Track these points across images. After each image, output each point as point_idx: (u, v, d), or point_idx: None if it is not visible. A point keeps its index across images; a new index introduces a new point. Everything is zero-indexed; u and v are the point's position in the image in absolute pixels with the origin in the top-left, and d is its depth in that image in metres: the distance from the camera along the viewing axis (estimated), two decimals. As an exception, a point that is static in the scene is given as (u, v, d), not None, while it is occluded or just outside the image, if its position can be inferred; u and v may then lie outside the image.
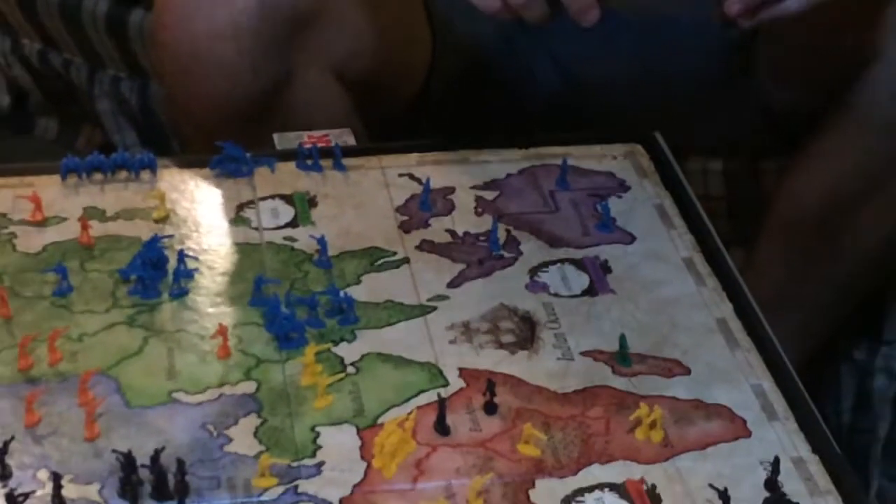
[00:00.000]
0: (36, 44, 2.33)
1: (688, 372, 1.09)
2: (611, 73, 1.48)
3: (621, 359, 1.10)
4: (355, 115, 1.47)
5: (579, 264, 1.22)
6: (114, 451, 0.99)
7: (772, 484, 0.97)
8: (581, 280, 1.20)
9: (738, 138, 1.59)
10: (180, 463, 0.97)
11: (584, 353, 1.11)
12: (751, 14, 1.20)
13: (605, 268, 1.21)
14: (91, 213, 1.26)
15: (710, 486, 0.97)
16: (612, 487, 0.98)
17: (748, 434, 1.03)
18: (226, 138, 1.33)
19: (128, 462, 0.97)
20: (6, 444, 0.99)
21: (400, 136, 1.47)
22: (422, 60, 1.56)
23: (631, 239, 1.25)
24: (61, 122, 2.41)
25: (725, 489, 0.96)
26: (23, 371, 1.08)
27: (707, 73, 1.48)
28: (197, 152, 1.37)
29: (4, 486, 0.97)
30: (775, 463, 0.98)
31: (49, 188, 1.29)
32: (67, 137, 2.40)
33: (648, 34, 1.40)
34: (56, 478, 0.97)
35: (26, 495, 0.96)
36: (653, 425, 1.02)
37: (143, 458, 0.97)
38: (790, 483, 0.98)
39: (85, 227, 1.23)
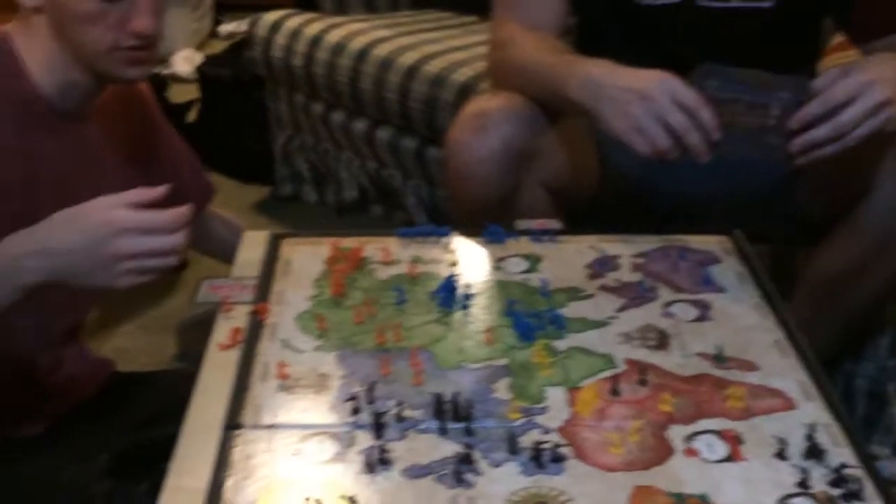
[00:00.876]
0: (373, 163, 2.37)
1: (758, 369, 1.07)
2: (709, 192, 1.45)
3: (718, 359, 1.08)
4: (555, 210, 1.46)
5: (693, 303, 1.19)
6: (431, 392, 1.01)
7: (810, 437, 0.95)
8: (693, 312, 1.18)
9: (782, 234, 1.55)
10: (467, 401, 0.99)
11: (696, 354, 1.10)
12: (804, 153, 1.18)
13: (707, 306, 1.19)
14: (415, 259, 1.27)
15: (773, 436, 0.96)
16: (714, 433, 0.97)
17: (795, 407, 1.01)
18: (482, 222, 1.34)
19: (438, 399, 0.99)
20: (372, 384, 1.02)
21: (583, 224, 1.44)
22: (594, 178, 1.55)
23: (722, 289, 1.22)
24: (385, 209, 2.43)
25: (783, 438, 0.94)
26: (379, 344, 1.10)
27: (769, 194, 1.44)
28: (465, 229, 1.35)
29: (371, 407, 1.00)
30: (812, 425, 0.96)
31: (392, 244, 1.30)
32: (387, 217, 2.42)
33: (734, 168, 1.36)
34: (399, 404, 0.99)
35: (383, 413, 0.98)
36: (738, 398, 1.01)
37: (446, 397, 1.00)
38: (820, 437, 0.96)
39: (412, 266, 1.25)
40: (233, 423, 0.97)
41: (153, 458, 1.04)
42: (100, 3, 1.10)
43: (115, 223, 0.99)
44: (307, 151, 2.54)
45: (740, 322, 1.16)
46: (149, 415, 1.30)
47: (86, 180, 1.22)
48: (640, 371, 1.05)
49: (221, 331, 1.12)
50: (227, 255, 1.28)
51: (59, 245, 1.00)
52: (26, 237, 1.00)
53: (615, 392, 1.02)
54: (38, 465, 1.21)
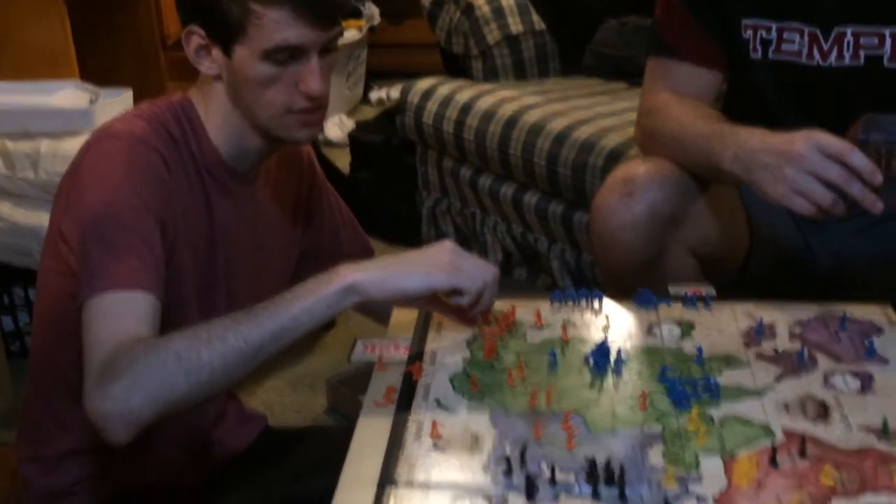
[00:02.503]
0: (519, 227, 2.40)
1: (927, 444, 1.03)
2: (869, 253, 1.41)
3: (884, 432, 1.05)
4: (702, 276, 1.45)
5: (855, 374, 1.16)
6: (584, 456, 1.01)
7: None
8: (856, 383, 1.15)
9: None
10: (621, 467, 0.99)
11: (860, 427, 1.07)
12: None
13: (870, 377, 1.16)
14: (567, 323, 1.27)
15: (945, 515, 0.92)
16: (881, 509, 0.94)
17: (968, 485, 0.97)
18: (627, 286, 1.34)
19: (591, 463, 0.99)
20: (524, 447, 1.03)
21: (732, 291, 1.41)
22: (743, 244, 1.53)
23: (886, 361, 1.19)
24: (528, 271, 2.45)
25: (955, 518, 0.91)
26: (531, 407, 1.11)
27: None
28: (616, 294, 1.34)
29: (523, 470, 1.00)
30: None
31: (543, 308, 1.31)
32: (531, 280, 2.44)
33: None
34: (551, 467, 1.00)
35: (536, 475, 0.99)
36: (905, 470, 0.98)
37: (599, 461, 0.99)
38: None
39: (564, 330, 1.25)
40: (387, 479, 0.99)
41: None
42: (273, 67, 1.16)
43: None
44: (454, 215, 2.59)
45: (906, 395, 1.12)
46: (302, 469, 1.34)
47: (254, 239, 1.28)
48: (800, 442, 1.02)
49: (377, 388, 1.15)
50: (382, 313, 1.32)
51: None
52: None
53: (774, 463, 1.00)
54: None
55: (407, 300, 1.15)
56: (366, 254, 1.56)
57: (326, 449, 1.12)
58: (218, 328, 1.03)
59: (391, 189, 2.81)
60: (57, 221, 1.18)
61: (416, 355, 1.21)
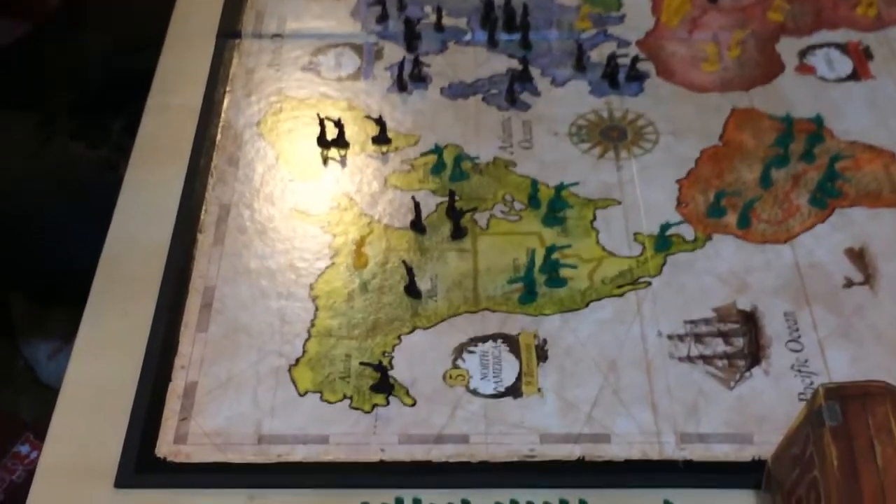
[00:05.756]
0: None
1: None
2: None
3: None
4: None
5: None
6: None
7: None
8: None
9: None
10: (525, 7, 0.84)
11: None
12: None
13: None
14: None
15: (915, 49, 0.79)
16: (837, 46, 0.81)
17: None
18: None
19: (488, 4, 0.86)
20: None
21: None
22: None
23: None
24: None
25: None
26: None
27: None
28: None
29: (401, 14, 0.86)
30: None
31: None
32: None
33: None
34: (438, 11, 0.86)
35: (418, 21, 0.84)
36: (870, 4, 0.84)
37: (498, 1, 0.85)
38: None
39: None
40: (229, 31, 0.84)
41: (130, 92, 0.90)
42: None
43: None
44: None
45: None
46: (124, 39, 1.15)
47: None
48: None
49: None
50: None
51: None
52: None
53: (712, -2, 0.86)
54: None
55: None
56: None
57: (156, 19, 0.93)
58: None
59: None
60: None
61: None
